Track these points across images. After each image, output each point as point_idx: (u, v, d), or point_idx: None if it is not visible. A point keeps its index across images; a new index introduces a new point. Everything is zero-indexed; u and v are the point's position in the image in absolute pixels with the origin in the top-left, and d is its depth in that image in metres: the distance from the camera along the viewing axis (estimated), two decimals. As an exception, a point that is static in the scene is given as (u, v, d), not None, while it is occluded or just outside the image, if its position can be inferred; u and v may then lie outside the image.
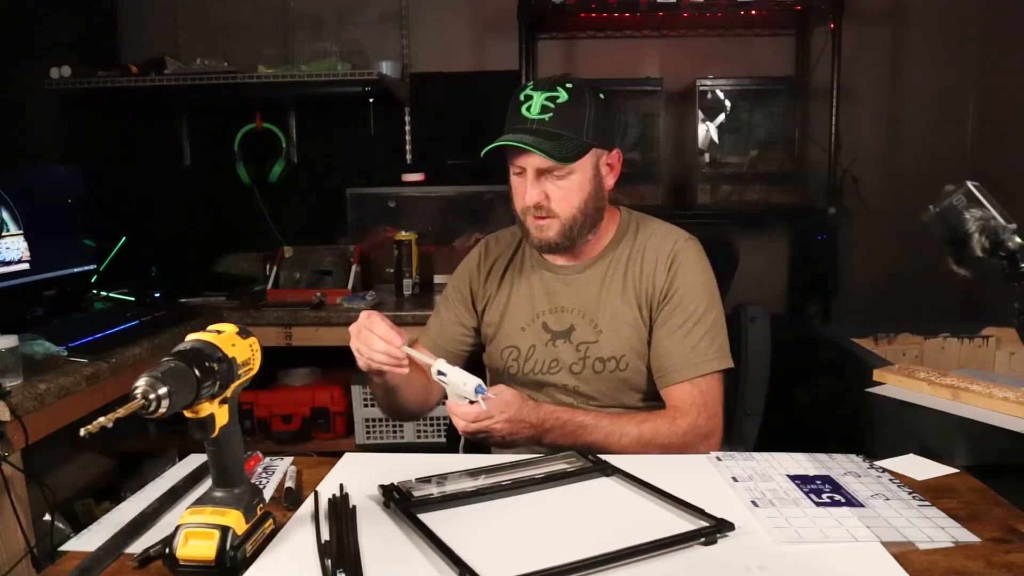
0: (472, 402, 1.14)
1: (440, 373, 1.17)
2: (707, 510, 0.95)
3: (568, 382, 1.37)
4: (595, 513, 1.00)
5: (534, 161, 1.27)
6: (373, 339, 1.18)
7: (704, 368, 1.32)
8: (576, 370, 1.37)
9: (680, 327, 1.34)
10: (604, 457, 1.15)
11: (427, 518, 0.95)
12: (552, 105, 1.27)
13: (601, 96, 1.32)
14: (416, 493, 1.03)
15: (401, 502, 0.99)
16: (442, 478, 1.09)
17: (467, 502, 1.02)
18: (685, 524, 0.94)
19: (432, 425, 2.56)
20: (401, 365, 1.20)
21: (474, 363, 1.51)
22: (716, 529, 0.91)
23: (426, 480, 1.08)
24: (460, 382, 1.14)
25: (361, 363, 1.22)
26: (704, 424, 1.30)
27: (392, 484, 1.04)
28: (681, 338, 1.33)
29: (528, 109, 1.28)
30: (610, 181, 1.37)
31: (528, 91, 1.30)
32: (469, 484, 1.07)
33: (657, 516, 0.98)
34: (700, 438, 1.29)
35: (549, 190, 1.30)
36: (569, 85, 1.29)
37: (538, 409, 1.23)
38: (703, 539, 0.89)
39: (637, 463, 1.12)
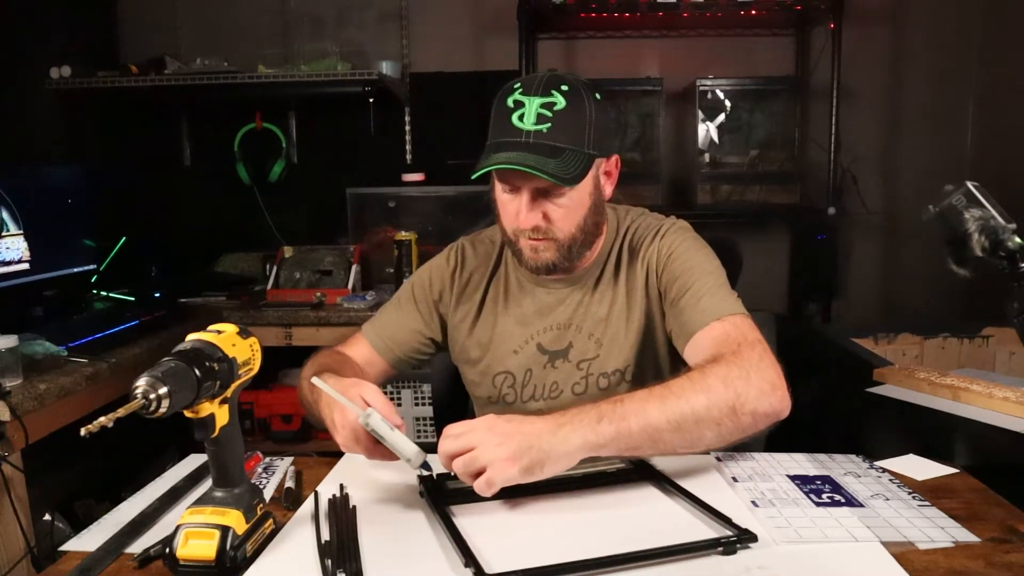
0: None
1: (371, 427, 1.01)
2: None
3: (572, 406, 1.23)
4: (621, 516, 0.98)
5: (532, 181, 1.11)
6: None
7: (724, 310, 1.13)
8: (579, 391, 1.25)
9: (685, 292, 1.18)
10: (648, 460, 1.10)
11: (454, 510, 0.97)
12: (549, 113, 1.10)
13: (598, 97, 1.16)
14: (452, 485, 1.04)
15: (432, 492, 1.01)
16: None
17: (497, 497, 1.00)
18: (709, 532, 0.92)
19: (432, 426, 2.55)
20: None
21: (460, 393, 1.41)
22: (736, 540, 0.88)
23: None
24: (403, 449, 1.00)
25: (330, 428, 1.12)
26: (748, 354, 1.04)
27: (431, 475, 1.05)
28: (691, 297, 1.17)
29: (521, 118, 1.11)
30: (608, 190, 1.22)
31: (518, 95, 1.12)
32: None
33: (685, 523, 0.95)
34: (747, 374, 1.02)
35: (548, 210, 1.15)
36: (565, 88, 1.12)
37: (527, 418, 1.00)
38: (721, 549, 0.87)
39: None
